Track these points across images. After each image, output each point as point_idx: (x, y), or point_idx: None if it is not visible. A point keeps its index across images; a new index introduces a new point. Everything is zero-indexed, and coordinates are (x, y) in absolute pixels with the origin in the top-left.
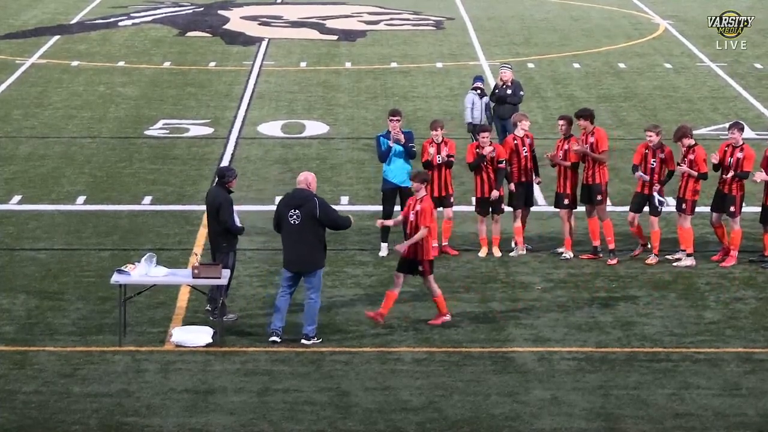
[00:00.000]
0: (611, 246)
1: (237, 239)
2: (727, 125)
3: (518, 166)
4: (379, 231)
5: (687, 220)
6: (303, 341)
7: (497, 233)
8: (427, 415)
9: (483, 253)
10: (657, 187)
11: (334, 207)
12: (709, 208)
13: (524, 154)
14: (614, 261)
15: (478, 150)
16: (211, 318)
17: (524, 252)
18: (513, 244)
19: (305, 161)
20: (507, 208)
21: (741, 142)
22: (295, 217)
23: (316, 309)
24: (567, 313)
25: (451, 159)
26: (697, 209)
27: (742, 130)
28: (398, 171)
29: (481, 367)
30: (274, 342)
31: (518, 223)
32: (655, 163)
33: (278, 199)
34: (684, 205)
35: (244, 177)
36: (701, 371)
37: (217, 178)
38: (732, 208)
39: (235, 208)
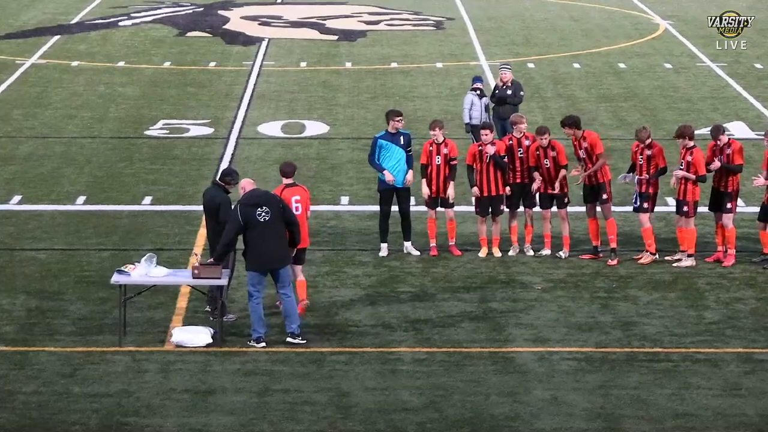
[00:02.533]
0: (613, 245)
1: (237, 240)
2: (726, 125)
3: (513, 167)
4: (379, 231)
5: (690, 222)
6: (289, 339)
7: (497, 234)
8: (427, 415)
9: (483, 253)
10: (630, 176)
11: (333, 207)
12: (707, 208)
13: (520, 155)
14: (614, 262)
15: (481, 148)
16: (211, 318)
17: (515, 253)
18: (525, 245)
19: (305, 161)
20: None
21: (726, 140)
22: (264, 214)
23: (295, 305)
24: (567, 313)
25: (454, 163)
26: (698, 209)
27: (723, 131)
28: (395, 173)
29: (481, 367)
30: (262, 347)
31: (514, 223)
32: (642, 160)
33: None
34: (686, 207)
35: (244, 177)
36: (701, 371)
37: (217, 177)
38: (728, 205)
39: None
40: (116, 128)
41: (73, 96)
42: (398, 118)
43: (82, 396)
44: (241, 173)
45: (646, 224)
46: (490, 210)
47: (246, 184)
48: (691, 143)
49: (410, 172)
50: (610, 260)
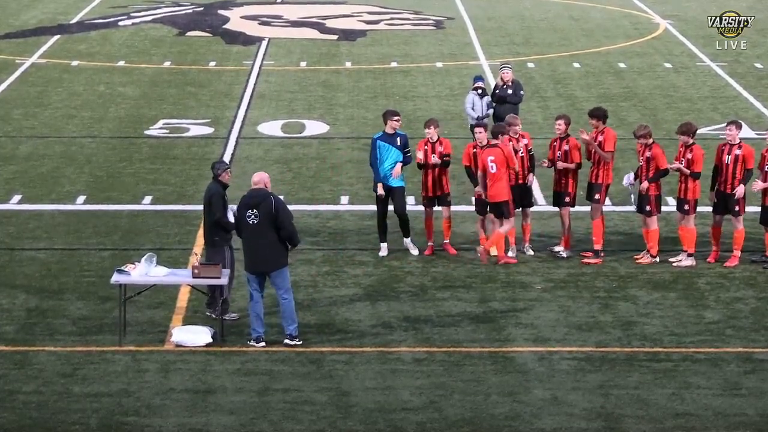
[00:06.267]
0: (597, 246)
1: (230, 235)
2: (724, 124)
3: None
4: (378, 231)
5: (690, 220)
6: (287, 341)
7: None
8: (427, 415)
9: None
10: (630, 176)
11: (333, 207)
12: (711, 209)
13: (520, 154)
14: (593, 260)
15: (474, 151)
16: (214, 317)
17: (513, 254)
18: (523, 248)
19: (305, 161)
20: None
21: (738, 140)
22: (253, 216)
23: (292, 308)
24: (567, 313)
25: (447, 159)
26: (699, 209)
27: (739, 127)
28: (391, 173)
29: (481, 367)
30: (262, 346)
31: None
32: (642, 161)
33: None
34: (686, 206)
35: (245, 177)
36: (701, 371)
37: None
38: (736, 207)
39: (235, 207)
40: (116, 128)
41: (73, 96)
42: (395, 118)
43: (82, 396)
44: (241, 173)
45: (652, 226)
46: (488, 209)
47: (256, 179)
48: (691, 141)
49: (398, 164)
50: (587, 258)
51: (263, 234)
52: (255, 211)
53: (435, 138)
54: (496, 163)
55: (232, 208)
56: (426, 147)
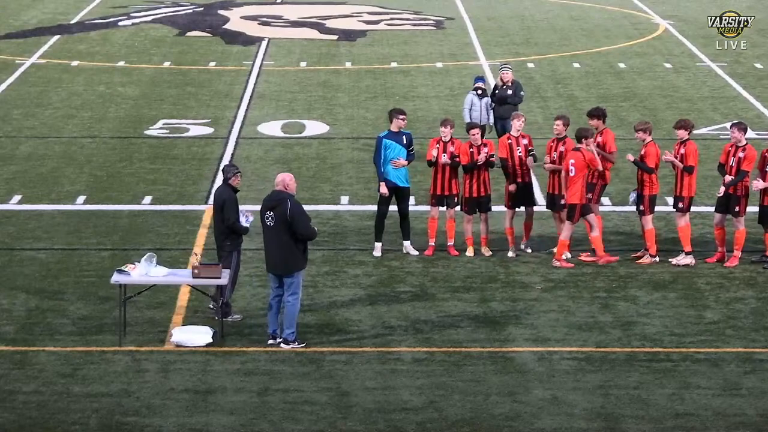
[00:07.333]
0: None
1: (241, 239)
2: (728, 124)
3: (513, 165)
4: (374, 230)
5: (683, 218)
6: (282, 345)
7: (485, 232)
8: (427, 415)
9: (470, 252)
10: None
11: (333, 207)
12: (713, 208)
13: (518, 153)
14: (590, 258)
15: (472, 150)
16: (216, 318)
17: (512, 254)
18: (522, 245)
19: (305, 161)
20: (497, 208)
21: (744, 142)
22: (270, 219)
23: (294, 312)
24: (567, 313)
25: (458, 159)
26: (699, 209)
27: (744, 130)
28: (397, 172)
29: (481, 367)
30: (273, 344)
31: (509, 224)
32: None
33: None
34: (681, 204)
35: (245, 177)
36: (701, 371)
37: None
38: (737, 208)
39: (244, 208)
40: (116, 128)
41: (73, 96)
42: (401, 116)
43: (82, 396)
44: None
45: (647, 226)
46: (477, 209)
47: (278, 180)
48: (687, 136)
49: (401, 159)
50: (584, 257)
51: (278, 237)
52: (272, 213)
53: (448, 138)
54: (576, 167)
55: (242, 210)
56: (438, 146)
